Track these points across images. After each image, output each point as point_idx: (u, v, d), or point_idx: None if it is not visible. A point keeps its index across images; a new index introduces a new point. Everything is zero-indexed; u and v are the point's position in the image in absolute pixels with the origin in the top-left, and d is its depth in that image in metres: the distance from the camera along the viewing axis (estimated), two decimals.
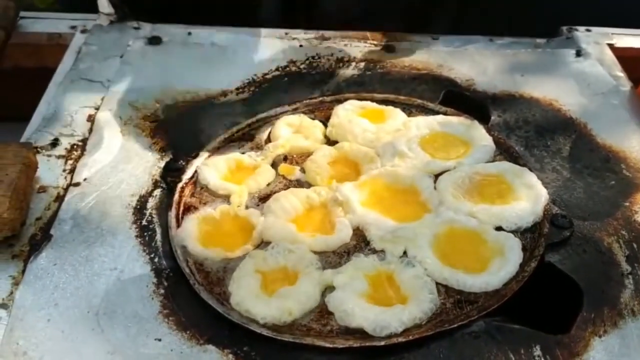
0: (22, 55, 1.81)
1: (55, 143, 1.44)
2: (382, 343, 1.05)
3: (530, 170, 1.36)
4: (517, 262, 1.17)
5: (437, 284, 1.15)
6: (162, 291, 1.14)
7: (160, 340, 1.06)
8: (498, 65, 1.75)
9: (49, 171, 1.37)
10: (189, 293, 1.13)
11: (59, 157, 1.41)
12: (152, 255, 1.20)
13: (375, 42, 1.82)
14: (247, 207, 1.29)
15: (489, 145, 1.42)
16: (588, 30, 1.89)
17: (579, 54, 1.79)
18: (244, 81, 1.66)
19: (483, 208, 1.27)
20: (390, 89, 1.64)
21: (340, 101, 1.55)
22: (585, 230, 1.27)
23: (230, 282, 1.14)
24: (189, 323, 1.09)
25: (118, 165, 1.39)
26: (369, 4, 1.99)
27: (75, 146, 1.44)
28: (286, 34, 1.84)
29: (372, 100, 1.56)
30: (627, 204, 1.34)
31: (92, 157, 1.40)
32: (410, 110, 1.55)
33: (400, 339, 1.06)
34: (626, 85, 1.68)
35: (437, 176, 1.35)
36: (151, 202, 1.31)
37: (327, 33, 1.85)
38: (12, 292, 1.13)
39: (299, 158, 1.42)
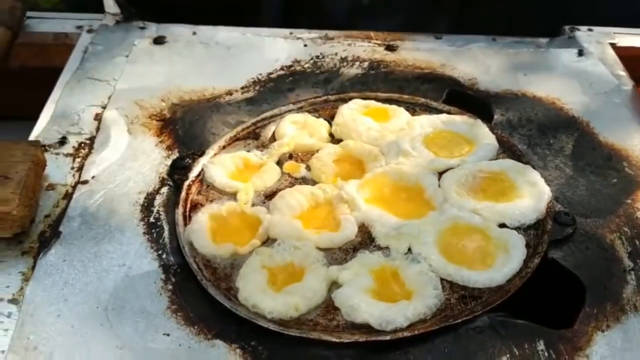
0: (29, 54, 1.83)
1: (63, 141, 1.45)
2: (388, 338, 1.06)
3: (533, 168, 1.37)
4: (520, 258, 1.18)
5: (442, 279, 1.16)
6: (170, 287, 1.15)
7: (168, 335, 1.08)
8: (501, 64, 1.76)
9: (58, 169, 1.38)
10: (196, 289, 1.14)
11: (67, 155, 1.42)
12: (160, 252, 1.22)
13: (378, 42, 1.83)
14: (253, 205, 1.31)
15: (492, 144, 1.43)
16: (590, 30, 1.91)
17: (581, 53, 1.80)
18: (249, 80, 1.67)
19: (487, 205, 1.28)
20: (394, 88, 1.66)
21: (344, 100, 1.57)
22: (587, 227, 1.28)
23: (238, 278, 1.16)
24: (196, 318, 1.10)
25: (125, 163, 1.40)
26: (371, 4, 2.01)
27: (82, 144, 1.45)
28: (290, 33, 1.85)
29: (376, 99, 1.57)
30: (629, 201, 1.35)
31: (100, 155, 1.42)
32: (414, 109, 1.56)
33: (406, 334, 1.07)
34: (628, 84, 1.69)
35: (441, 174, 1.36)
36: (158, 200, 1.33)
37: (331, 33, 1.86)
38: (22, 288, 1.14)
39: (304, 156, 1.44)
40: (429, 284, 1.14)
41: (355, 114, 1.51)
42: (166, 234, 1.25)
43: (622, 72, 1.74)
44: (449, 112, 1.54)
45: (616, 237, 1.27)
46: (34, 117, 1.52)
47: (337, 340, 1.06)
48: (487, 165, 1.38)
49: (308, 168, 1.40)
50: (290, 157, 1.43)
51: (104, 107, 1.55)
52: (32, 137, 1.46)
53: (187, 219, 1.28)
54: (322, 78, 1.69)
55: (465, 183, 1.34)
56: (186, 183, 1.34)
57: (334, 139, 1.48)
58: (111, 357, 1.05)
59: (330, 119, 1.53)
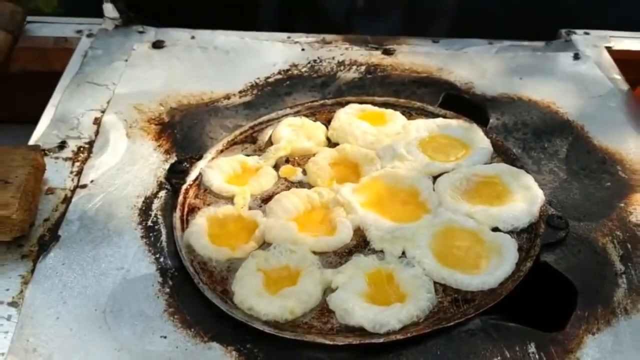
0: (29, 58, 1.84)
1: (62, 145, 1.47)
2: (381, 340, 1.08)
3: (527, 172, 1.38)
4: (513, 262, 1.20)
5: (435, 282, 1.17)
6: (167, 290, 1.17)
7: (165, 337, 1.09)
8: (497, 68, 1.77)
9: (57, 173, 1.40)
10: (193, 292, 1.16)
11: (66, 159, 1.44)
12: (158, 255, 1.23)
13: (375, 46, 1.84)
14: (250, 208, 1.32)
15: (487, 148, 1.45)
16: (586, 34, 1.91)
17: (577, 57, 1.81)
18: (247, 84, 1.69)
19: (480, 209, 1.29)
20: (391, 92, 1.67)
21: (341, 104, 1.58)
22: (580, 231, 1.29)
23: (234, 281, 1.17)
24: (193, 321, 1.12)
25: (124, 167, 1.42)
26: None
27: (82, 148, 1.47)
28: (288, 37, 1.87)
29: (373, 103, 1.59)
30: (622, 205, 1.36)
31: (99, 160, 1.43)
32: (410, 113, 1.57)
33: (399, 336, 1.08)
34: (623, 87, 1.70)
35: (436, 178, 1.37)
36: (156, 204, 1.34)
37: (329, 37, 1.88)
38: (22, 291, 1.16)
39: (300, 160, 1.45)
40: (423, 288, 1.15)
41: (351, 118, 1.52)
42: (164, 237, 1.27)
43: (618, 76, 1.75)
44: (445, 116, 1.55)
45: (608, 240, 1.28)
46: (34, 121, 1.54)
47: (331, 343, 1.07)
48: (481, 169, 1.39)
49: (304, 172, 1.41)
50: (287, 160, 1.45)
51: (103, 112, 1.57)
52: (31, 142, 1.47)
53: (184, 223, 1.29)
54: (319, 82, 1.71)
55: (460, 187, 1.35)
56: (184, 187, 1.36)
57: (331, 143, 1.50)
58: None
59: (327, 122, 1.54)
